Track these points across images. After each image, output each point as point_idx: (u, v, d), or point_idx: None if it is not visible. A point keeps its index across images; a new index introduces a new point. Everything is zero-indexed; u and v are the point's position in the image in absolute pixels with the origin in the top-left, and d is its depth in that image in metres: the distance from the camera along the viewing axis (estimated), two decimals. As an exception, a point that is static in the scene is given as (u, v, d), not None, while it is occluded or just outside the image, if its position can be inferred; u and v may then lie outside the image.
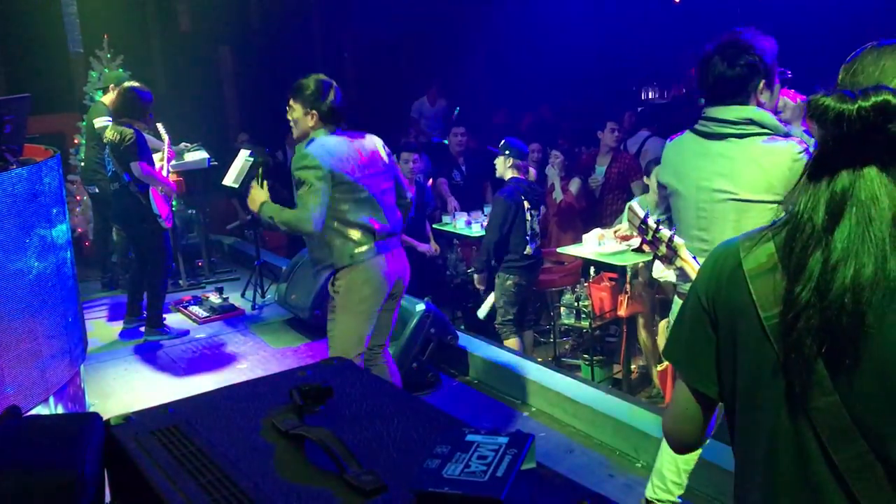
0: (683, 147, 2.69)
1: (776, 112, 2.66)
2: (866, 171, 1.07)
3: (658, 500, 3.08)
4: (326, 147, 3.42)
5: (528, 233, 5.37)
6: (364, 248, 3.46)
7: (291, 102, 3.54)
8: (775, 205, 2.48)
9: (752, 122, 2.50)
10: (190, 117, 8.00)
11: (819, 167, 1.11)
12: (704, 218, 2.55)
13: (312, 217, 3.32)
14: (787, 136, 2.52)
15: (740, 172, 2.51)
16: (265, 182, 3.57)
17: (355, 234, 3.45)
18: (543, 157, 7.24)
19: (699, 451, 3.03)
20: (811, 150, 2.47)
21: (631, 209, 2.31)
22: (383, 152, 3.66)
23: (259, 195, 3.51)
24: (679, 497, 3.10)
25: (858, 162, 1.08)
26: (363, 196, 3.47)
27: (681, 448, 1.40)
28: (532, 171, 5.76)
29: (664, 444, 3.10)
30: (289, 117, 3.56)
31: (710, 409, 1.33)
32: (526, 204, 5.35)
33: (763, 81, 2.53)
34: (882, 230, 1.05)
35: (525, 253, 5.36)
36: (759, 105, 2.53)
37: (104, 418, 1.51)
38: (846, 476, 1.08)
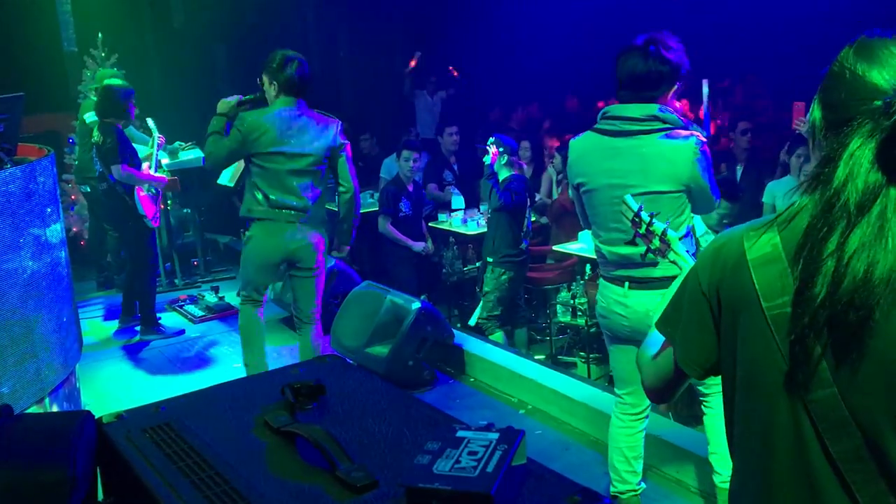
0: (589, 147, 2.82)
1: None
2: None
3: (620, 493, 3.13)
4: (259, 118, 3.89)
5: (525, 229, 5.42)
6: (260, 208, 3.97)
7: (262, 75, 3.97)
8: (682, 194, 2.68)
9: (655, 118, 2.65)
10: (185, 115, 7.98)
11: (856, 163, 1.08)
12: (620, 212, 2.59)
13: (214, 159, 4.00)
14: (685, 128, 2.68)
15: (650, 167, 2.66)
16: (248, 106, 3.99)
17: (258, 194, 3.97)
18: (533, 156, 7.25)
19: (641, 440, 3.18)
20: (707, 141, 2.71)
21: (624, 202, 2.32)
22: (328, 138, 4.00)
23: (228, 105, 4.00)
24: (640, 482, 3.17)
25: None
26: (271, 168, 3.91)
27: (654, 398, 1.48)
28: (524, 166, 5.79)
29: (610, 442, 3.22)
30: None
31: (688, 379, 1.37)
32: (528, 200, 5.44)
33: (676, 86, 2.69)
34: None
35: (521, 248, 5.42)
36: (665, 106, 2.68)
37: (96, 417, 1.51)
38: (841, 467, 1.09)
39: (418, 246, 6.18)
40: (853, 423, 1.08)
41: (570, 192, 3.05)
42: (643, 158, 2.67)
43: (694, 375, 1.31)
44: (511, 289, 5.47)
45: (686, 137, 2.65)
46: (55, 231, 3.66)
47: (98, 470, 1.48)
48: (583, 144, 2.86)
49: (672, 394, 1.42)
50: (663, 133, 2.65)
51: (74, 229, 7.49)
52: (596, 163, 2.79)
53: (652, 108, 2.65)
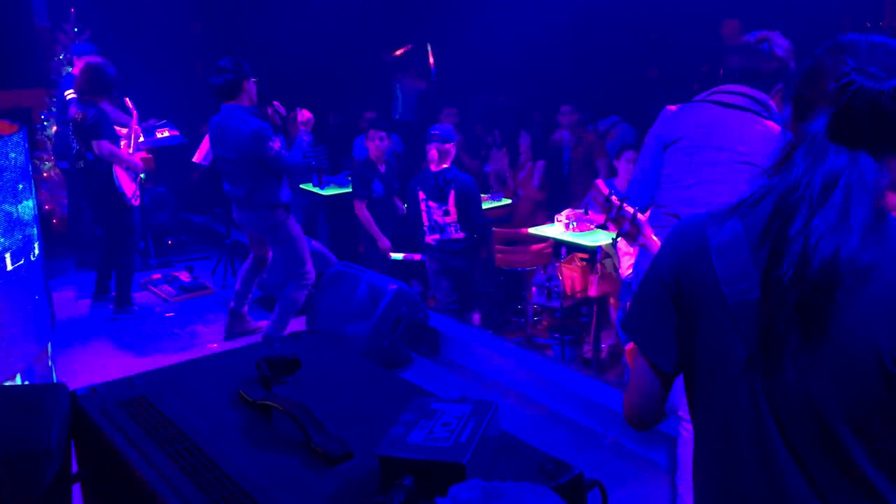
0: (701, 110, 2.77)
1: None
2: (860, 154, 1.09)
3: None
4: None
5: (427, 223, 5.25)
6: None
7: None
8: (763, 174, 2.61)
9: (766, 106, 2.66)
10: (160, 93, 7.88)
11: (817, 146, 1.11)
12: (712, 175, 2.63)
13: None
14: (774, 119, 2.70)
15: (748, 138, 2.64)
16: None
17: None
18: (505, 143, 7.23)
19: None
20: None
21: (595, 186, 2.32)
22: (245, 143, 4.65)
23: None
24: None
25: (856, 144, 1.09)
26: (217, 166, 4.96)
27: (639, 424, 1.38)
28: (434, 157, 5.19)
29: None
30: None
31: (667, 384, 1.32)
32: (421, 194, 5.19)
33: (781, 86, 2.68)
34: (862, 212, 1.07)
35: (426, 242, 5.29)
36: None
37: (70, 389, 1.51)
38: (800, 452, 1.12)
39: (384, 244, 6.04)
40: (810, 410, 1.09)
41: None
42: (744, 129, 2.66)
43: (665, 366, 1.28)
44: (432, 277, 5.37)
45: (780, 131, 2.66)
46: (27, 208, 3.61)
47: (72, 443, 1.48)
48: (693, 108, 2.82)
49: (652, 410, 1.34)
50: (763, 118, 2.67)
51: (47, 207, 7.39)
52: (699, 123, 2.76)
53: (765, 97, 2.68)
